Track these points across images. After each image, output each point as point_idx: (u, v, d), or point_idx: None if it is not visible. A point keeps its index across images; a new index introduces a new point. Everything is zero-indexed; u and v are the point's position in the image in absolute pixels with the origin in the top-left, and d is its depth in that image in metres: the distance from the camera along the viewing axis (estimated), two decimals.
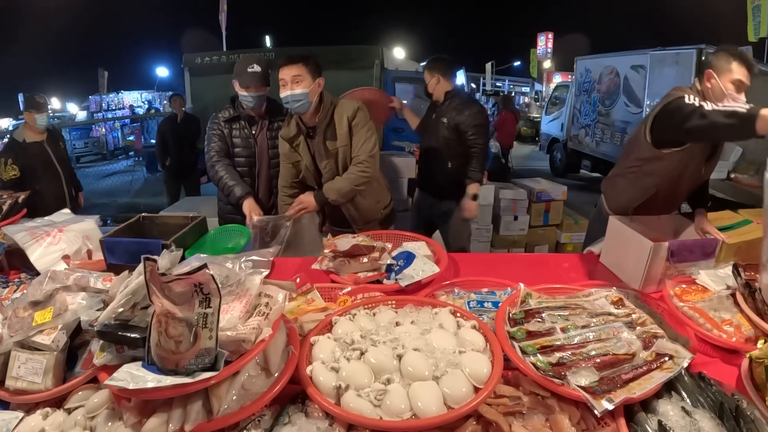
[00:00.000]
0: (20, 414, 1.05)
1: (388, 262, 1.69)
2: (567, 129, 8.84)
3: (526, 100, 18.68)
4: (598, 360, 1.08)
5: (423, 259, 1.72)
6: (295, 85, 1.98)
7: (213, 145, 2.35)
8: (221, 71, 5.38)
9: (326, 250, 1.74)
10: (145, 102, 17.37)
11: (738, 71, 1.80)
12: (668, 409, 0.98)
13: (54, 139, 3.60)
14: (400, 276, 1.62)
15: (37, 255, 1.71)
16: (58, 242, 1.77)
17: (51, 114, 3.65)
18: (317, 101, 2.08)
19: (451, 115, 2.77)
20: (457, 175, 2.81)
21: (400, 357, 1.04)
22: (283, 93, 2.01)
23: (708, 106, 1.63)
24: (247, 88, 2.23)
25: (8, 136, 3.88)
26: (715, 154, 2.00)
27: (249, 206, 2.19)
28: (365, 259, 1.68)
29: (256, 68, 2.23)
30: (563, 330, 1.18)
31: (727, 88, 1.80)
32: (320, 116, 2.09)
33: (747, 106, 1.52)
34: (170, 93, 6.84)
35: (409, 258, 1.71)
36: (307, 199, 2.12)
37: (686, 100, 1.71)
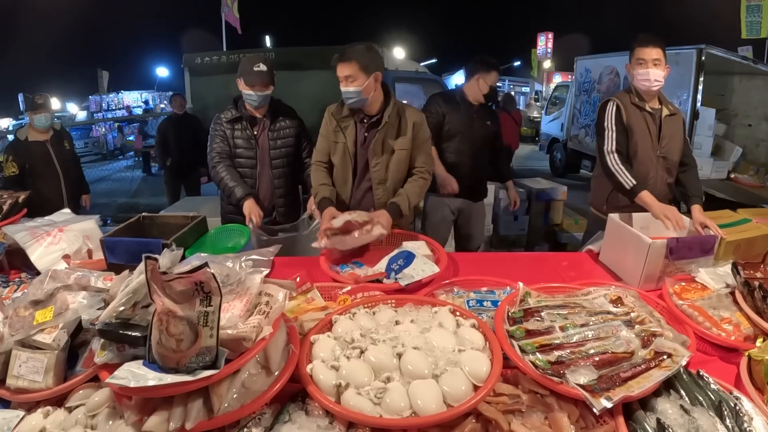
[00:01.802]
0: (21, 413, 1.06)
1: (379, 232, 1.80)
2: (567, 129, 8.83)
3: (531, 101, 18.63)
4: (596, 358, 1.08)
5: (423, 258, 1.72)
6: (349, 84, 1.95)
7: (215, 146, 2.36)
8: (221, 71, 5.37)
9: (323, 228, 1.81)
10: (144, 102, 17.38)
11: (639, 52, 2.06)
12: (667, 408, 0.99)
13: (59, 139, 3.57)
14: (400, 275, 1.63)
15: (37, 255, 1.71)
16: (58, 242, 1.78)
17: (52, 113, 3.59)
18: (380, 93, 2.03)
19: (492, 118, 2.94)
20: (484, 175, 3.04)
21: (399, 355, 1.05)
22: (342, 88, 1.99)
23: (611, 153, 2.12)
24: (252, 86, 2.23)
25: (12, 134, 3.89)
26: (665, 136, 2.18)
27: (249, 207, 2.18)
28: (357, 233, 1.75)
29: (262, 67, 2.23)
30: (562, 329, 1.19)
31: (634, 68, 2.10)
32: (387, 112, 2.02)
33: (633, 180, 2.02)
34: (170, 93, 6.85)
35: (409, 257, 1.72)
36: (383, 218, 1.91)
37: (604, 125, 2.16)
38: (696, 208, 1.95)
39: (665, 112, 2.18)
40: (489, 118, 2.92)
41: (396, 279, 1.62)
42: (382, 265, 1.73)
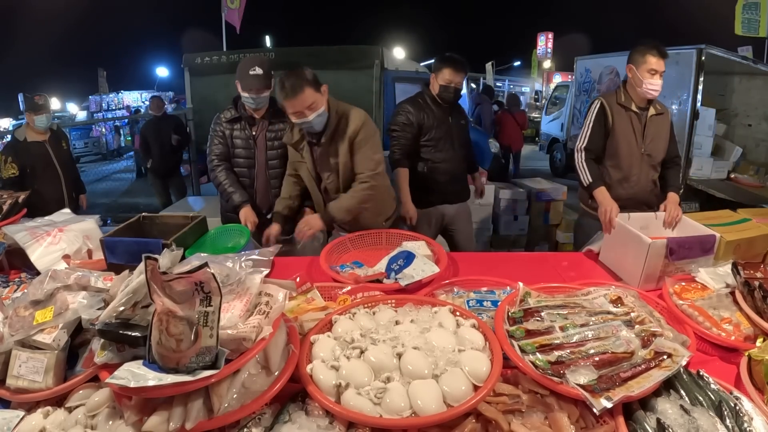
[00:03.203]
0: (21, 413, 1.06)
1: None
2: (567, 129, 8.81)
3: (531, 101, 18.61)
4: (596, 358, 1.08)
5: (423, 258, 1.72)
6: (312, 111, 1.93)
7: (214, 148, 2.38)
8: (221, 71, 5.37)
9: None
10: (145, 101, 17.35)
11: (653, 61, 2.10)
12: (667, 408, 0.99)
13: (57, 139, 3.55)
14: (400, 275, 1.63)
15: (37, 255, 1.71)
16: (58, 242, 1.78)
17: (51, 114, 3.56)
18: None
19: (463, 115, 2.85)
20: (465, 176, 2.93)
21: (399, 355, 1.05)
22: (300, 120, 1.95)
23: (581, 151, 2.24)
24: (249, 90, 2.24)
25: (10, 134, 3.86)
26: (649, 135, 2.24)
27: (245, 214, 2.23)
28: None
29: (258, 71, 2.23)
30: (562, 329, 1.19)
31: (644, 77, 2.13)
32: (327, 127, 2.04)
33: (590, 178, 2.16)
34: (170, 93, 6.88)
35: (409, 258, 1.72)
36: (314, 221, 2.06)
37: (585, 123, 2.29)
38: (671, 194, 2.09)
39: (652, 111, 2.24)
40: (461, 116, 2.80)
41: (396, 279, 1.62)
42: (382, 265, 1.74)
